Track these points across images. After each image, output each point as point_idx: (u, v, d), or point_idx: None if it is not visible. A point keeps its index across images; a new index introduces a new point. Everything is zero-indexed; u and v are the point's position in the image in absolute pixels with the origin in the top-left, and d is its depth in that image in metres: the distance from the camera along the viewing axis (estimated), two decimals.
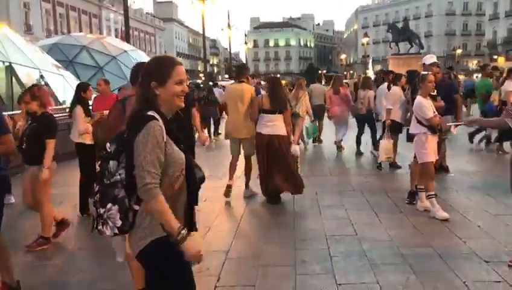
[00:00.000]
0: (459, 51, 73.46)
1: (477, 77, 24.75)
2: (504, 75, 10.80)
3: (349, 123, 11.54)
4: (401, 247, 4.80)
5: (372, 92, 10.38)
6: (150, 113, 2.22)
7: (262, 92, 9.01)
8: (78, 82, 7.35)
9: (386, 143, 8.25)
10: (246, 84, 7.11)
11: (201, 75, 64.95)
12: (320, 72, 19.63)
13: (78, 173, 6.61)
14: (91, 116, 6.54)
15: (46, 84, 13.00)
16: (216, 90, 16.54)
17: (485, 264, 4.31)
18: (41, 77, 13.04)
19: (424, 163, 5.95)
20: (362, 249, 4.79)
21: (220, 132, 15.11)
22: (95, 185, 2.29)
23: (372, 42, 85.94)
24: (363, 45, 60.77)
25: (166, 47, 72.06)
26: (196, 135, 6.75)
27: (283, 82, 8.23)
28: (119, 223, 2.21)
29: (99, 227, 2.26)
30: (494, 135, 10.58)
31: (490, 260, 4.37)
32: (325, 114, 12.15)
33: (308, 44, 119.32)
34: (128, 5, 17.56)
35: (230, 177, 7.17)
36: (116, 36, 41.10)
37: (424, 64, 7.75)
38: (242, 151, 7.14)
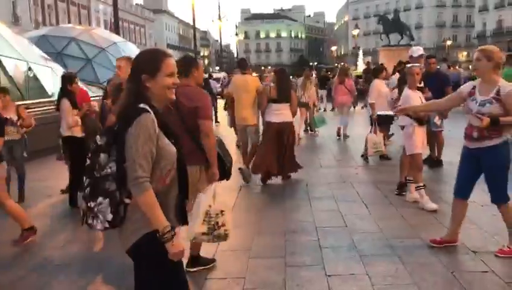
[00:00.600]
0: (449, 43, 73.76)
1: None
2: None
3: (349, 113, 11.93)
4: (390, 238, 4.84)
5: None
6: (141, 105, 2.21)
7: (266, 83, 9.46)
8: (63, 73, 7.24)
9: (373, 137, 8.28)
10: (249, 76, 7.93)
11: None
12: (311, 64, 19.87)
13: (65, 166, 6.57)
14: (78, 108, 6.49)
15: (35, 76, 12.88)
16: (211, 82, 17.44)
17: (472, 254, 4.36)
18: (29, 69, 12.90)
19: (412, 155, 6.00)
20: (352, 241, 4.83)
21: (219, 120, 16.27)
22: (84, 178, 2.27)
23: (363, 34, 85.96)
24: (353, 36, 60.82)
25: (157, 39, 71.53)
26: None
27: (272, 74, 8.55)
28: (110, 217, 2.18)
29: (89, 221, 2.23)
30: None
31: (478, 251, 4.42)
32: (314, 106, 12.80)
33: (299, 36, 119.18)
34: None
35: (244, 162, 7.78)
36: (106, 28, 40.80)
37: (411, 56, 7.78)
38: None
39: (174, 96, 2.34)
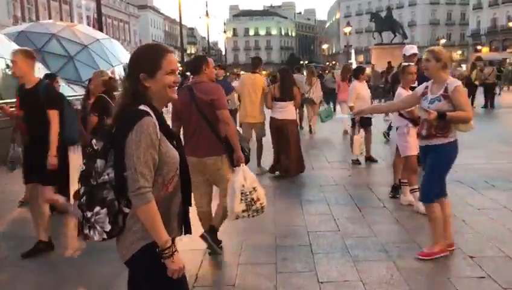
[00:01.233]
0: (443, 41, 74.41)
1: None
2: None
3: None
4: (384, 243, 4.84)
5: None
6: (142, 107, 2.12)
7: (235, 83, 10.19)
8: (46, 72, 7.16)
9: (358, 138, 8.34)
10: (258, 75, 8.39)
11: (178, 65, 64.61)
12: (301, 62, 20.13)
13: None
14: None
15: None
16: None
17: (469, 259, 4.37)
18: (7, 66, 12.74)
19: (406, 156, 6.01)
20: (345, 245, 4.81)
21: None
22: (79, 185, 2.17)
23: (355, 32, 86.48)
24: (345, 34, 61.06)
25: (141, 35, 71.23)
26: None
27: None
28: (108, 227, 2.10)
29: (86, 231, 2.14)
30: None
31: (475, 255, 4.43)
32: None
33: (290, 33, 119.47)
34: None
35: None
36: (88, 24, 40.44)
37: (404, 55, 7.80)
38: (254, 135, 8.51)
39: (175, 96, 2.25)
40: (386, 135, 11.57)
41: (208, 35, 45.03)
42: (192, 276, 4.16)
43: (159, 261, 2.10)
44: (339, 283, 3.99)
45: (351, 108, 8.64)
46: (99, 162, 2.11)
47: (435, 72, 4.38)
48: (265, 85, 8.40)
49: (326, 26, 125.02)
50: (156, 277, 2.16)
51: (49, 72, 10.23)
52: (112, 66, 18.12)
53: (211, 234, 4.59)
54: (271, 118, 8.20)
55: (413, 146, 5.94)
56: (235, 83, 11.33)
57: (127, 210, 2.12)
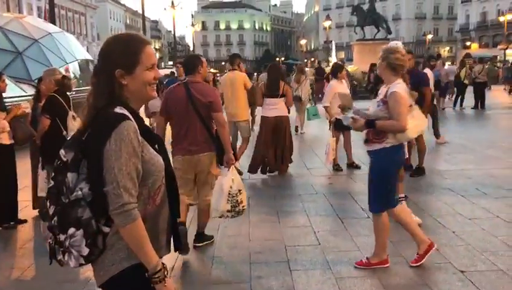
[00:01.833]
0: (429, 37, 75.86)
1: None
2: None
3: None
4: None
5: None
6: (118, 110, 2.00)
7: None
8: None
9: (332, 141, 8.42)
10: (237, 72, 8.84)
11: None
12: (277, 60, 20.49)
13: None
14: (7, 110, 6.26)
15: None
16: None
17: (460, 274, 4.42)
18: None
19: None
20: (326, 261, 4.82)
21: None
22: (48, 204, 2.03)
23: (335, 26, 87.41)
24: (325, 29, 61.63)
25: (100, 28, 70.50)
26: None
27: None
28: (85, 251, 1.96)
29: (59, 257, 2.01)
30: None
31: (466, 270, 4.49)
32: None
33: (264, 27, 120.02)
34: None
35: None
36: (39, 16, 39.76)
37: None
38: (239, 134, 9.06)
39: (155, 94, 2.14)
40: None
41: (174, 29, 44.57)
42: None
43: (146, 287, 2.00)
44: None
45: (326, 108, 8.72)
46: (70, 176, 1.99)
47: (382, 71, 4.46)
48: (247, 81, 8.83)
49: (304, 20, 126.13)
50: None
51: None
52: (66, 62, 17.83)
53: (199, 239, 5.29)
54: (263, 117, 8.72)
55: None
56: None
57: (107, 229, 1.99)
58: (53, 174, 2.07)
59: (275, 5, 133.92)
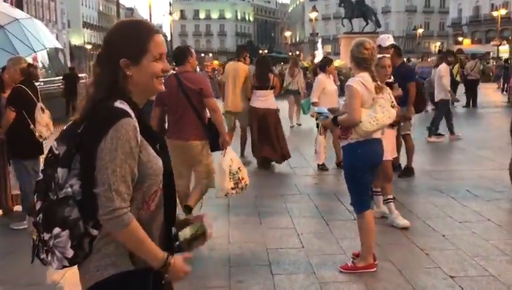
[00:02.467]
0: (420, 31, 76.55)
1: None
2: None
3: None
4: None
5: None
6: (118, 104, 1.93)
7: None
8: None
9: (321, 139, 8.41)
10: (241, 64, 9.47)
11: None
12: (261, 52, 20.58)
13: None
14: None
15: None
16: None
17: (450, 279, 4.47)
18: None
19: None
20: (310, 265, 4.84)
21: None
22: (36, 199, 1.99)
23: (322, 18, 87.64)
24: (311, 20, 61.76)
25: (70, 15, 69.82)
26: None
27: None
28: (70, 253, 1.91)
29: (42, 255, 1.97)
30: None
31: (456, 275, 4.54)
32: None
33: (247, 18, 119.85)
34: None
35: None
36: (5, 0, 39.20)
37: (379, 46, 7.91)
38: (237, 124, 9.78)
39: (162, 87, 2.07)
40: None
41: (150, 17, 44.18)
42: None
43: None
44: None
45: (314, 104, 8.72)
46: (61, 172, 1.94)
47: (351, 65, 4.66)
48: (248, 73, 9.40)
49: (289, 11, 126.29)
50: None
51: None
52: (34, 51, 17.66)
53: (187, 212, 5.40)
54: (251, 107, 9.23)
55: (388, 149, 6.02)
56: None
57: (95, 232, 1.93)
58: (42, 168, 2.02)
59: None
